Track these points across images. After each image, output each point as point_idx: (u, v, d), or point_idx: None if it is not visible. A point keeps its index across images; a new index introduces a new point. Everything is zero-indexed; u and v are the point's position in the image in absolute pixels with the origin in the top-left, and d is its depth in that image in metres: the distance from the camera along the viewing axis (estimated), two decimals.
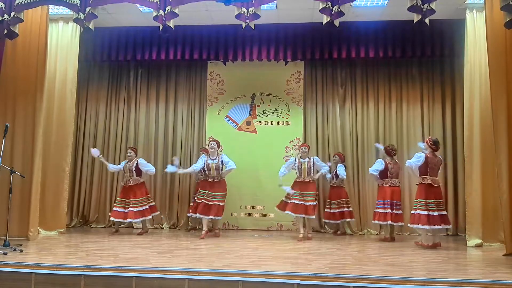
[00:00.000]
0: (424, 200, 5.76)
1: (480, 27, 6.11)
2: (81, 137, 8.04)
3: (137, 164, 6.94)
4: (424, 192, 5.79)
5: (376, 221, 6.56)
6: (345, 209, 7.04)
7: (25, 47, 6.19)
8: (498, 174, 5.32)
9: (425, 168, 5.82)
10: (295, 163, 6.69)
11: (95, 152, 7.05)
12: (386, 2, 6.36)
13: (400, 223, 6.51)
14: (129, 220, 6.82)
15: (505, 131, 5.32)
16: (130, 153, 7.05)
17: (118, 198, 7.02)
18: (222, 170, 6.68)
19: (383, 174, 6.54)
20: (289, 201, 6.52)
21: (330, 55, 7.17)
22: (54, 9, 6.63)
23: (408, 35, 6.91)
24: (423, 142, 6.14)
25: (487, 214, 5.97)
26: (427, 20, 4.90)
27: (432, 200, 5.76)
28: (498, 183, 5.33)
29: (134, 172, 6.91)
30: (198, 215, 6.58)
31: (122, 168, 7.11)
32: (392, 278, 3.94)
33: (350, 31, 6.91)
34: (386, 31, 6.97)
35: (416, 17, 4.92)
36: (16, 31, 5.55)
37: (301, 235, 6.49)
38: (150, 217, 7.00)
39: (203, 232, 6.54)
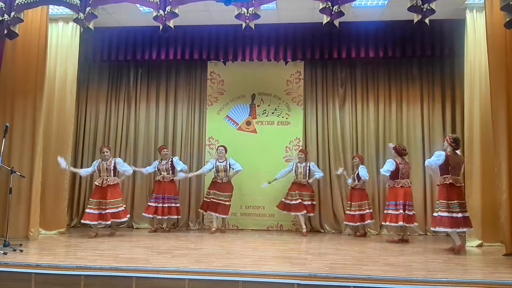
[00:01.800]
0: (446, 201, 5.43)
1: (480, 27, 6.10)
2: (81, 137, 8.03)
3: (114, 163, 6.70)
4: (446, 193, 5.46)
5: (388, 223, 6.38)
6: (367, 211, 6.92)
7: (25, 47, 6.18)
8: (498, 174, 5.32)
9: (446, 168, 5.50)
10: (293, 167, 7.27)
11: (62, 162, 6.37)
12: (386, 2, 6.36)
13: (412, 224, 6.40)
14: (106, 222, 6.48)
15: (505, 131, 5.32)
16: (107, 152, 6.73)
17: (91, 200, 6.61)
18: (229, 172, 7.23)
19: (395, 174, 6.41)
20: (289, 202, 7.08)
21: (330, 55, 7.16)
22: (54, 9, 6.62)
23: (408, 35, 6.91)
24: (445, 140, 5.78)
25: (487, 214, 5.96)
26: (427, 20, 4.89)
27: (455, 201, 5.43)
28: (498, 183, 5.33)
29: (112, 171, 6.64)
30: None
31: (95, 169, 6.74)
32: (392, 278, 3.94)
33: (350, 31, 6.90)
34: (386, 31, 6.96)
35: (416, 17, 4.91)
36: (16, 31, 5.54)
37: (304, 230, 7.05)
38: (126, 219, 6.73)
39: (213, 228, 7.21)
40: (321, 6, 5.06)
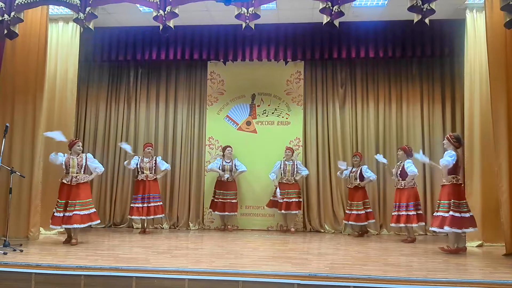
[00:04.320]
0: (458, 201, 5.38)
1: (480, 27, 6.11)
2: (81, 137, 8.00)
3: (85, 158, 6.02)
4: (457, 193, 5.41)
5: (414, 224, 6.30)
6: (369, 210, 6.94)
7: (25, 47, 6.18)
8: (498, 174, 5.32)
9: (455, 167, 5.45)
10: (280, 166, 7.38)
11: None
12: (386, 2, 6.36)
13: (420, 223, 6.39)
14: (74, 226, 5.64)
15: (505, 131, 5.31)
16: (79, 146, 6.03)
17: (59, 201, 5.78)
18: (234, 172, 7.46)
19: (405, 175, 6.39)
20: (278, 201, 7.20)
21: (330, 55, 7.17)
22: (54, 9, 6.63)
23: (408, 35, 6.92)
24: (445, 138, 5.69)
25: (487, 214, 5.96)
26: (427, 20, 4.89)
27: (463, 201, 5.45)
28: (498, 183, 5.33)
29: (83, 167, 5.96)
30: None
31: (62, 163, 5.92)
32: (392, 278, 3.94)
33: (350, 31, 6.92)
34: (386, 31, 6.97)
35: (416, 17, 4.91)
36: (16, 31, 5.54)
37: (292, 229, 7.31)
38: (98, 221, 6.03)
39: (223, 226, 7.53)
40: (321, 6, 5.05)
